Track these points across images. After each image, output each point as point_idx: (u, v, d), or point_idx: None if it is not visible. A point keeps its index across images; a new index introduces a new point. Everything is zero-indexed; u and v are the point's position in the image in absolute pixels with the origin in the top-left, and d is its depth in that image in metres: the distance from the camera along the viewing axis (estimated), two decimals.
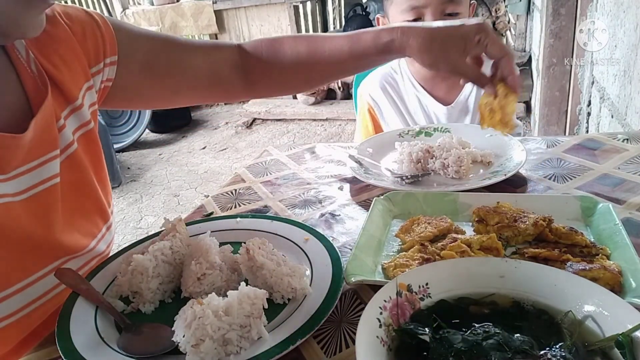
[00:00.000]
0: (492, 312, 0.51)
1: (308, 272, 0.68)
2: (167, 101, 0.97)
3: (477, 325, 0.48)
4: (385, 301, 0.50)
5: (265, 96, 1.07)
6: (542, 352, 0.45)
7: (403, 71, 1.38)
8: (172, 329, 0.57)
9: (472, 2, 1.29)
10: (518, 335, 0.46)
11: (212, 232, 0.73)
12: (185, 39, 0.94)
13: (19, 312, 0.69)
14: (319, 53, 0.88)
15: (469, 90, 1.33)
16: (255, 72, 0.94)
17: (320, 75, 0.94)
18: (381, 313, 0.49)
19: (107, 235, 0.83)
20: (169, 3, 5.11)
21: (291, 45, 0.91)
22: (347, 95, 4.69)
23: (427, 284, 0.54)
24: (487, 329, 0.47)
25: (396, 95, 1.38)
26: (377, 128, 1.43)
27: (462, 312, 0.52)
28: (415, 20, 1.21)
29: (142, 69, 0.86)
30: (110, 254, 0.80)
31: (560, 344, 0.45)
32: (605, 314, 0.47)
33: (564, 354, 0.44)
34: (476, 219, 0.75)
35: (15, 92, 0.70)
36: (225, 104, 5.45)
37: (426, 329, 0.49)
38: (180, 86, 0.91)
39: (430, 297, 0.53)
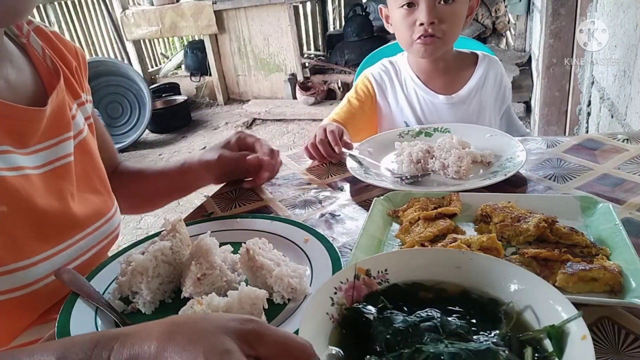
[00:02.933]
0: (437, 298, 0.55)
1: (308, 272, 0.68)
2: None
3: (421, 309, 0.51)
4: (341, 282, 0.54)
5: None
6: (474, 337, 0.47)
7: (402, 64, 1.39)
8: None
9: None
10: (455, 319, 0.49)
11: (212, 232, 0.73)
12: (107, 133, 1.05)
13: (45, 279, 0.73)
14: (151, 168, 1.07)
15: (473, 85, 1.32)
16: (115, 186, 1.02)
17: (152, 191, 1.07)
18: (335, 293, 0.53)
19: (115, 216, 0.90)
20: (168, 3, 5.11)
21: (137, 165, 1.10)
22: None
23: (386, 270, 0.56)
24: (429, 313, 0.50)
25: (396, 83, 1.39)
26: (369, 101, 1.41)
27: (412, 296, 0.55)
28: (409, 4, 1.20)
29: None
30: (111, 253, 0.81)
31: (496, 331, 0.48)
32: (543, 307, 0.49)
33: (494, 340, 0.46)
34: (481, 215, 0.75)
35: (32, 78, 0.81)
36: (225, 104, 5.46)
37: (373, 309, 0.52)
38: None
39: (388, 282, 0.56)
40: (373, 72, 1.42)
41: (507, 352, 0.45)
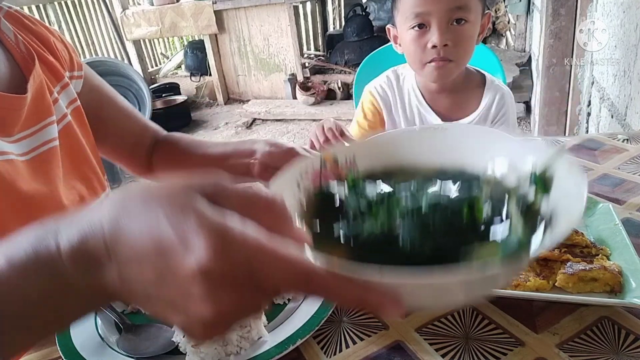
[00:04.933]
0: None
1: None
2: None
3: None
4: (307, 171, 0.49)
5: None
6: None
7: (408, 78, 1.36)
8: (172, 329, 0.57)
9: (486, 11, 1.22)
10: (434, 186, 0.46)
11: None
12: (127, 103, 1.01)
13: None
14: (200, 148, 0.99)
15: (477, 115, 1.28)
16: (157, 158, 1.04)
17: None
18: (301, 177, 0.48)
19: None
20: (168, 3, 5.11)
21: (183, 140, 1.03)
22: (347, 96, 4.69)
23: (354, 157, 0.52)
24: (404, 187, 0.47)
25: (398, 99, 1.37)
26: (378, 118, 1.39)
27: (384, 181, 0.51)
28: (420, 25, 1.15)
29: (87, 106, 0.91)
30: None
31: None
32: (526, 164, 0.45)
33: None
34: None
35: (8, 65, 0.78)
36: (225, 104, 5.46)
37: (344, 189, 0.48)
38: (104, 140, 0.96)
39: (357, 169, 0.52)
40: (376, 86, 1.39)
41: (489, 200, 0.42)
